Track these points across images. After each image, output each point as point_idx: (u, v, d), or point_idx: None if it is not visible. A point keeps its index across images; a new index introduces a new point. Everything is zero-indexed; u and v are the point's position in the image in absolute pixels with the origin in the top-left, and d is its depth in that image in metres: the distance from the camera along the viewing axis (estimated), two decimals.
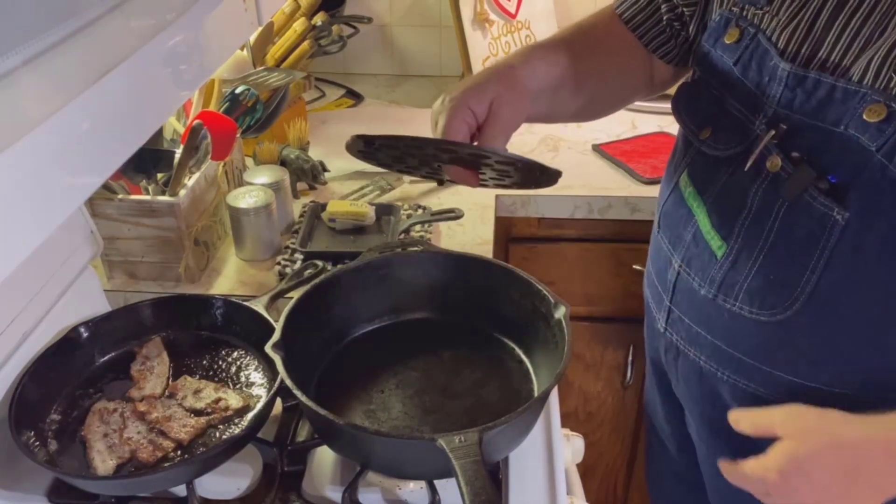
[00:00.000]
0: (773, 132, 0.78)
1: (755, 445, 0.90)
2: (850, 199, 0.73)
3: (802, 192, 0.76)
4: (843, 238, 0.74)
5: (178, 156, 1.15)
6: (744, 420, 0.77)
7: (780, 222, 0.79)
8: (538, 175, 0.82)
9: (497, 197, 1.42)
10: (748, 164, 0.81)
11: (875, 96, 0.71)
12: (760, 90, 0.80)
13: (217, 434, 0.86)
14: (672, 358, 0.97)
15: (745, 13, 0.84)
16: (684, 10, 0.93)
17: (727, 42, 0.85)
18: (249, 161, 1.44)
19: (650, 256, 1.02)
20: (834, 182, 0.74)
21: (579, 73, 0.95)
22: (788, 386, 0.83)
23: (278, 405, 0.91)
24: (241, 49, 1.41)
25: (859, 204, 0.73)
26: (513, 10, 1.76)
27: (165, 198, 1.13)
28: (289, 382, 0.78)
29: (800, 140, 0.77)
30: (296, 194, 1.41)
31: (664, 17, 0.95)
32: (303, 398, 0.77)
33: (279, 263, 1.22)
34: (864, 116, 0.71)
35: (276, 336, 0.83)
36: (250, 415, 0.87)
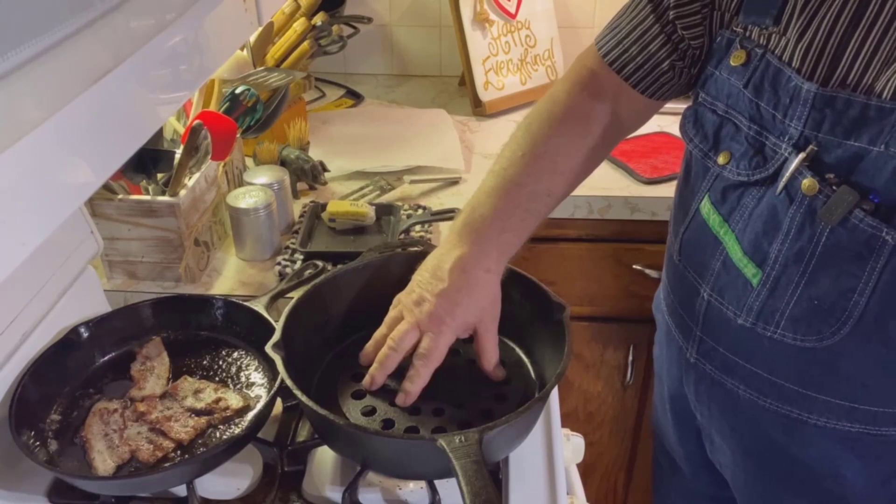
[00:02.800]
0: (803, 154, 0.76)
1: (801, 472, 0.89)
2: None
3: (848, 215, 0.73)
4: (892, 258, 0.73)
5: (178, 156, 1.15)
6: None
7: (822, 246, 0.76)
8: None
9: None
10: (780, 188, 0.78)
11: None
12: (781, 111, 0.78)
13: (217, 434, 0.86)
14: (704, 389, 0.95)
15: (749, 33, 0.81)
16: (691, 43, 0.89)
17: (733, 64, 0.82)
18: (249, 161, 1.44)
19: (669, 284, 1.00)
20: (876, 202, 0.72)
21: (552, 197, 0.93)
22: (836, 410, 0.82)
23: (278, 405, 0.91)
24: (241, 49, 1.41)
25: None
26: (513, 10, 1.76)
27: (165, 198, 1.13)
28: (289, 382, 0.78)
29: (831, 161, 0.74)
30: (296, 194, 1.41)
31: (664, 63, 0.90)
32: (303, 398, 0.76)
33: (279, 263, 1.22)
34: None
35: (276, 336, 0.83)
36: (250, 415, 0.87)
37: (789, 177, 0.77)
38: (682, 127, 0.90)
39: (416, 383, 0.82)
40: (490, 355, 0.85)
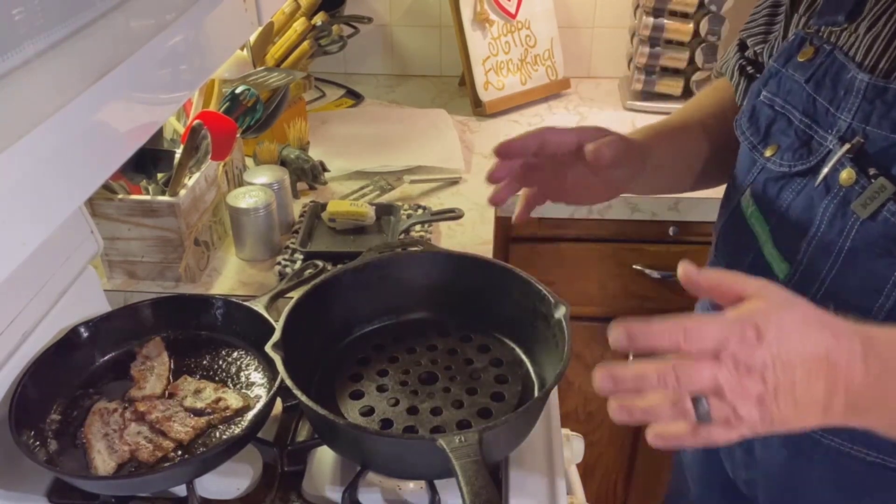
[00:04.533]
0: (848, 145, 0.74)
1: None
2: None
3: (880, 208, 0.71)
4: None
5: (178, 156, 1.15)
6: (704, 277, 0.63)
7: (851, 240, 0.74)
8: None
9: None
10: (819, 180, 0.77)
11: None
12: (835, 105, 0.77)
13: (217, 434, 0.86)
14: None
15: (821, 32, 0.81)
16: (755, 49, 0.94)
17: (800, 60, 0.82)
18: (249, 161, 1.44)
19: None
20: None
21: (698, 152, 0.99)
22: (849, 430, 0.75)
23: (278, 405, 0.91)
24: (241, 49, 1.41)
25: None
26: (513, 10, 1.76)
27: (165, 198, 1.13)
28: (289, 382, 0.78)
29: (876, 154, 0.73)
30: (296, 194, 1.41)
31: (734, 66, 0.97)
32: (303, 398, 0.77)
33: (279, 263, 1.22)
34: None
35: (276, 336, 0.83)
36: (250, 415, 0.87)
37: (831, 168, 0.75)
38: (737, 121, 0.91)
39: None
40: (598, 144, 0.86)
